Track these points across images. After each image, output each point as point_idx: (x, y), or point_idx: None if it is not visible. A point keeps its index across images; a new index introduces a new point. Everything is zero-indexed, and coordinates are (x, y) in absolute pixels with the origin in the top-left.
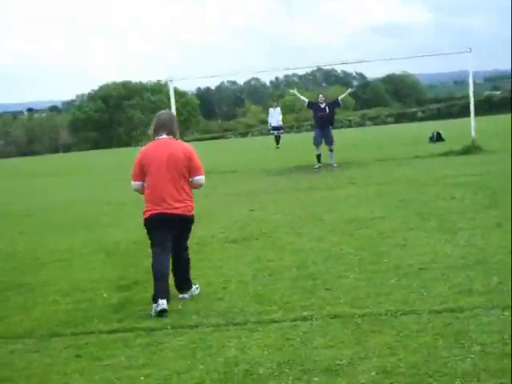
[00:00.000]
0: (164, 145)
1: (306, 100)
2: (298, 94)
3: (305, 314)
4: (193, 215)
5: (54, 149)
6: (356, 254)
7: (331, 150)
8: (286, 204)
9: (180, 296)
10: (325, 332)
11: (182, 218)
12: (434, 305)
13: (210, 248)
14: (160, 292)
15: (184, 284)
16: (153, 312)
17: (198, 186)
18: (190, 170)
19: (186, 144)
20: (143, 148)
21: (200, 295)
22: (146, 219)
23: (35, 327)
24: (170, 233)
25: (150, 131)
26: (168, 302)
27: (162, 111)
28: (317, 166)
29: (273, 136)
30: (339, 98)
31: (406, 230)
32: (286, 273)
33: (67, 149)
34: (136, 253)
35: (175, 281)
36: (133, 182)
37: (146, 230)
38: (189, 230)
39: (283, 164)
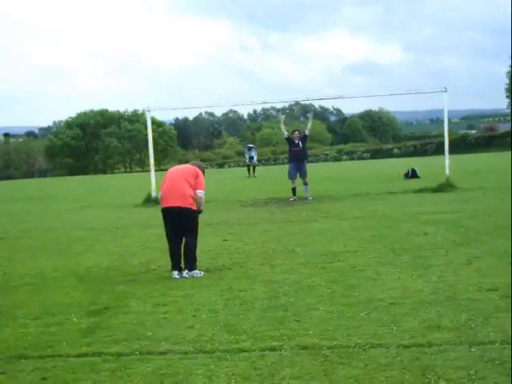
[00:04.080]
0: (182, 166)
1: (286, 133)
2: (283, 125)
3: (274, 344)
4: (194, 210)
5: (30, 174)
6: (327, 286)
7: (306, 184)
8: (260, 235)
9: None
10: (293, 363)
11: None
12: (403, 339)
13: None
14: (173, 266)
15: (187, 265)
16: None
17: (198, 199)
18: (195, 185)
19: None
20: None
21: (170, 322)
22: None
23: (3, 349)
24: (174, 223)
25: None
26: (179, 271)
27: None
28: (292, 199)
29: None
30: (306, 131)
31: (378, 265)
32: (256, 303)
33: (43, 174)
34: (107, 279)
35: (183, 260)
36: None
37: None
38: (190, 220)
39: (258, 196)
